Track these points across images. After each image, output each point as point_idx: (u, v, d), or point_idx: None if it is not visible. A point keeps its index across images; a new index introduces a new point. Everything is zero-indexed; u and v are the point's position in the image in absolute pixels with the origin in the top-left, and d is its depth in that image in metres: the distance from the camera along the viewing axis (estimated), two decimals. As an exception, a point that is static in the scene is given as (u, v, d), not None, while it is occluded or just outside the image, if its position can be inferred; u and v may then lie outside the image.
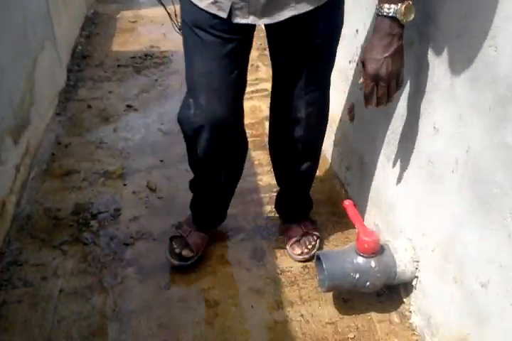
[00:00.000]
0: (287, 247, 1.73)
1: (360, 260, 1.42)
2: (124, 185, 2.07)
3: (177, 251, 1.65)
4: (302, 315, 1.53)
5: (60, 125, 2.45)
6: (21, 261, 1.72)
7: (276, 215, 1.89)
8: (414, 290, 1.45)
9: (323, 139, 1.63)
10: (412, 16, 1.12)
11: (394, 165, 1.51)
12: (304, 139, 1.53)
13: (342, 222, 1.85)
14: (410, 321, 1.48)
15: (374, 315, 1.52)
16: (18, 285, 1.62)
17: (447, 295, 1.27)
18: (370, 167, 1.69)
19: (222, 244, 1.79)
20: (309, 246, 1.70)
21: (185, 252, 1.64)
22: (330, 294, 1.58)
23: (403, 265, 1.41)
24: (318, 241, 1.74)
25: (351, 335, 1.46)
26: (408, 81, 1.36)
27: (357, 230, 1.44)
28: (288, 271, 1.69)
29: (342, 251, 1.47)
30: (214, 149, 1.45)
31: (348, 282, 1.42)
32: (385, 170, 1.58)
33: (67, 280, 1.65)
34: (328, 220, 1.87)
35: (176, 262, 1.65)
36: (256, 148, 2.24)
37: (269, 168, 2.10)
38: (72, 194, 2.02)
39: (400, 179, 1.47)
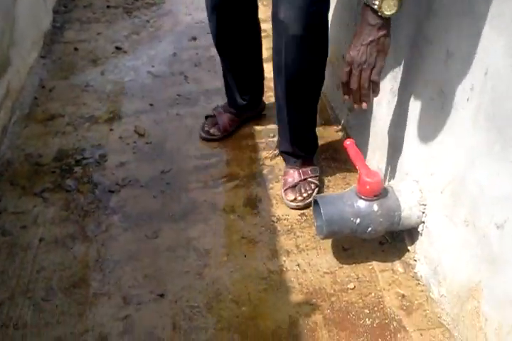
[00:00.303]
0: (282, 192, 1.60)
1: (361, 203, 1.28)
2: (111, 130, 1.93)
3: (206, 128, 1.86)
4: (298, 265, 1.42)
5: (45, 68, 2.28)
6: (0, 208, 1.61)
7: (273, 162, 1.76)
8: (419, 236, 1.32)
9: (319, 62, 1.44)
10: (393, 12, 1.05)
11: (401, 101, 1.34)
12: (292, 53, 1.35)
13: (343, 168, 1.71)
14: (415, 270, 1.36)
15: (376, 265, 1.40)
16: (-5, 232, 1.52)
17: (457, 240, 1.14)
18: (373, 106, 1.53)
19: (214, 191, 1.67)
20: (304, 194, 1.57)
21: (212, 130, 1.85)
22: (328, 243, 1.47)
23: (408, 208, 1.28)
24: (316, 190, 1.60)
25: (351, 285, 1.35)
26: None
27: (358, 172, 1.30)
28: (284, 219, 1.56)
29: (341, 195, 1.33)
30: (222, 31, 1.61)
31: (348, 227, 1.30)
32: (390, 108, 1.41)
33: (48, 229, 1.55)
34: (328, 166, 1.73)
35: (203, 134, 1.85)
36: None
37: (265, 111, 1.95)
38: (55, 139, 1.89)
39: (407, 116, 1.31)
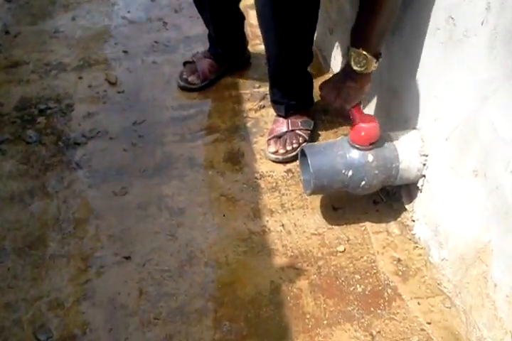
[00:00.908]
0: (266, 142, 1.43)
1: (354, 153, 1.11)
2: (80, 78, 1.72)
3: (185, 76, 1.65)
4: (283, 225, 1.26)
5: (10, 13, 2.06)
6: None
7: (258, 114, 1.57)
8: (419, 193, 1.16)
9: None
10: (362, 69, 1.07)
11: (401, 36, 1.15)
12: None
13: (335, 121, 1.53)
14: (412, 232, 1.21)
15: (369, 226, 1.24)
16: None
17: (463, 195, 0.97)
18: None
19: (191, 145, 1.49)
20: (288, 147, 1.39)
21: (191, 78, 1.65)
22: (317, 201, 1.30)
23: (408, 160, 1.11)
24: (303, 144, 1.42)
25: (341, 248, 1.20)
26: None
27: (351, 117, 1.12)
28: (268, 176, 1.39)
29: (332, 143, 1.16)
30: None
31: (339, 181, 1.13)
32: (388, 47, 1.22)
33: (4, 184, 1.38)
34: (319, 119, 1.54)
35: (181, 83, 1.65)
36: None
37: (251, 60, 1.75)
38: (18, 87, 1.69)
39: (409, 53, 1.12)
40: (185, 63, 1.69)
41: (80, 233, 1.25)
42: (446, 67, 0.99)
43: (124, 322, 1.09)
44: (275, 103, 1.45)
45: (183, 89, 1.66)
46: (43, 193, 1.35)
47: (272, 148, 1.39)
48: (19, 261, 1.20)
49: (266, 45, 1.30)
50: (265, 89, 1.64)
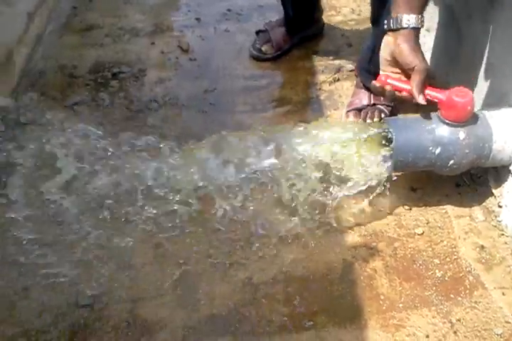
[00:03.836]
0: (343, 113, 1.32)
1: (444, 129, 0.99)
2: (152, 43, 1.65)
3: (258, 46, 1.55)
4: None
5: (86, -23, 2.00)
6: (28, 120, 1.39)
7: (332, 87, 1.46)
8: (510, 176, 1.04)
9: None
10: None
11: (502, 8, 1.01)
12: None
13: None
14: (498, 218, 1.09)
15: (450, 209, 1.13)
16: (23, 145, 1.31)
17: None
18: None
19: (262, 115, 1.40)
20: (368, 121, 1.28)
21: (264, 48, 1.55)
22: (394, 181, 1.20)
23: (502, 140, 0.98)
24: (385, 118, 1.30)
25: (419, 231, 1.10)
26: None
27: (440, 94, 0.99)
28: (342, 151, 1.29)
29: (419, 118, 1.04)
30: None
31: (425, 159, 1.01)
32: (487, 20, 1.08)
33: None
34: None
35: (254, 52, 1.55)
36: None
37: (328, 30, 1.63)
38: (92, 51, 1.64)
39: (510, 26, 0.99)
40: (257, 32, 1.59)
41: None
42: None
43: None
44: (361, 71, 1.33)
45: (255, 58, 1.56)
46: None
47: (353, 119, 1.28)
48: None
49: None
50: (340, 61, 1.54)
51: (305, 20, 1.55)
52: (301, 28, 1.56)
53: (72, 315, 0.99)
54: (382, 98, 1.29)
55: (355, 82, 1.39)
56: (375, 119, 1.27)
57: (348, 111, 1.31)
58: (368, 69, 1.28)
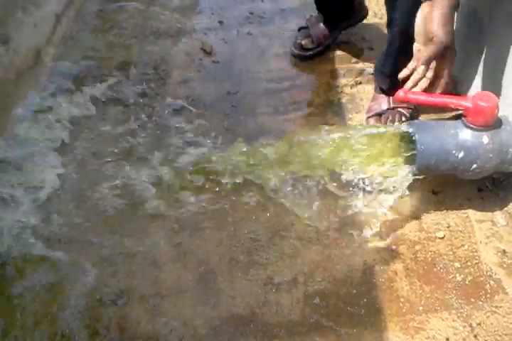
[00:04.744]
0: (364, 120, 1.33)
1: (467, 133, 0.99)
2: (176, 45, 1.66)
3: (298, 41, 1.56)
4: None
5: (111, -20, 2.02)
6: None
7: (353, 90, 1.46)
8: (535, 183, 1.04)
9: None
10: None
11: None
12: None
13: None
14: (521, 224, 1.09)
15: (472, 213, 1.13)
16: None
17: None
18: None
19: (284, 118, 1.41)
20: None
21: (304, 42, 1.54)
22: (415, 183, 1.17)
23: (528, 145, 0.98)
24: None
25: (440, 234, 1.09)
26: None
27: (464, 101, 0.99)
28: (362, 154, 1.29)
29: (442, 122, 1.04)
30: None
31: (448, 162, 1.01)
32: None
33: (102, 144, 1.34)
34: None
35: (295, 51, 1.56)
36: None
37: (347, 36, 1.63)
38: (116, 52, 1.65)
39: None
40: (299, 29, 1.59)
41: (173, 196, 1.21)
42: None
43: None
44: (379, 74, 1.32)
45: (296, 57, 1.56)
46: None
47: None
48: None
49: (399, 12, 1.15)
50: (361, 64, 1.53)
51: (342, 11, 1.53)
52: (340, 20, 1.54)
53: (96, 310, 1.01)
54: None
55: (374, 86, 1.39)
56: (396, 124, 1.27)
57: (368, 117, 1.31)
58: (383, 71, 1.28)
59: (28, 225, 1.14)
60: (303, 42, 1.54)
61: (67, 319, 0.99)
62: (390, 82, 1.27)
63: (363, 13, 1.58)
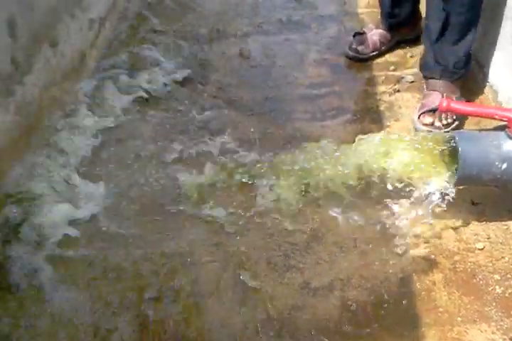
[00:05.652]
0: (414, 117, 1.32)
1: (511, 145, 0.99)
2: (215, 50, 1.69)
3: (354, 46, 1.59)
4: (415, 214, 1.16)
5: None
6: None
7: (392, 98, 1.46)
8: None
9: None
10: None
11: None
12: None
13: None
14: None
15: (512, 225, 1.12)
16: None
17: None
18: None
19: (321, 124, 1.41)
20: (444, 122, 1.28)
21: (360, 47, 1.58)
22: (455, 193, 1.18)
23: None
24: (456, 123, 1.31)
25: (479, 245, 1.08)
26: None
27: (508, 112, 0.98)
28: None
29: (486, 133, 1.03)
30: None
31: (490, 173, 1.00)
32: None
33: (142, 145, 1.37)
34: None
35: (350, 53, 1.59)
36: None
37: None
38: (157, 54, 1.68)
39: None
40: (354, 34, 1.62)
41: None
42: None
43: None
44: (429, 74, 1.35)
45: (352, 58, 1.60)
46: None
47: (428, 120, 1.29)
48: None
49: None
50: (400, 72, 1.54)
51: (403, 19, 1.55)
52: (399, 27, 1.56)
53: (138, 307, 1.02)
54: (454, 97, 1.30)
55: (424, 85, 1.39)
56: (449, 120, 1.29)
57: (421, 113, 1.31)
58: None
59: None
60: (359, 48, 1.57)
61: (109, 314, 1.01)
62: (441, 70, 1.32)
63: (417, 31, 1.59)
